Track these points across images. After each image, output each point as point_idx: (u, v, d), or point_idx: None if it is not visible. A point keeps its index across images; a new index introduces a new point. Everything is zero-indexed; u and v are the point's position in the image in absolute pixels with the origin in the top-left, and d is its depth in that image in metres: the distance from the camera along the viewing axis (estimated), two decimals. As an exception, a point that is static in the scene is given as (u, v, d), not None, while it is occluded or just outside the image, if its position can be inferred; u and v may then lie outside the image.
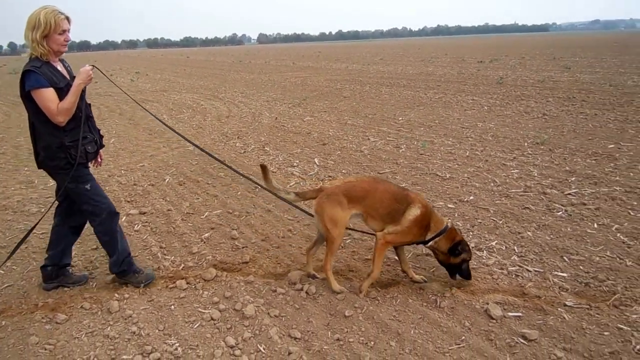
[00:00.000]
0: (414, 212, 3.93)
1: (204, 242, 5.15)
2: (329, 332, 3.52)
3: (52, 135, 3.75)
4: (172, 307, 3.90)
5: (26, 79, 3.63)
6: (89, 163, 4.08)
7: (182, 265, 4.61)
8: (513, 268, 4.34)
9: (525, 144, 8.73)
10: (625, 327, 3.40)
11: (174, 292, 4.13)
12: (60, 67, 3.88)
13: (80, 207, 4.04)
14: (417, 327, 3.55)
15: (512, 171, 7.11)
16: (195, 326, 3.64)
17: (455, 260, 3.98)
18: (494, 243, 4.85)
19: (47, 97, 3.60)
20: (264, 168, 4.23)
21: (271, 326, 3.59)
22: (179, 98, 17.77)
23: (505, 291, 3.97)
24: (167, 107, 15.42)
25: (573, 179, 6.66)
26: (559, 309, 3.66)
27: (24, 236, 4.06)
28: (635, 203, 5.65)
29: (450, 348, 3.29)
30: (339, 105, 14.58)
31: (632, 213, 5.38)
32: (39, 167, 4.00)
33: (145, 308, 3.90)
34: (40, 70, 3.64)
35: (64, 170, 3.84)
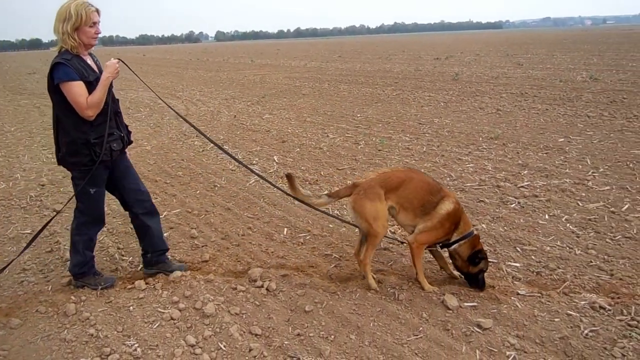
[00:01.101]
0: (446, 207, 3.85)
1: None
2: (290, 328, 3.54)
3: (78, 131, 3.67)
4: (131, 307, 3.83)
5: (55, 71, 3.54)
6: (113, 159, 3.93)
7: (141, 265, 4.52)
8: (468, 259, 4.45)
9: (480, 138, 8.95)
10: (574, 313, 3.54)
11: (133, 292, 4.06)
12: (89, 60, 3.80)
13: (76, 201, 3.96)
14: (376, 319, 3.60)
15: (468, 165, 7.29)
16: (155, 326, 3.59)
17: (474, 269, 3.89)
18: (450, 236, 4.96)
19: (76, 90, 3.53)
20: (290, 177, 4.05)
21: (232, 324, 3.57)
22: (135, 97, 17.41)
23: (461, 282, 4.06)
24: (124, 106, 14.98)
25: (525, 172, 6.87)
26: (512, 297, 3.78)
27: (37, 233, 3.96)
28: (583, 194, 5.88)
29: (408, 339, 3.35)
30: (297, 102, 14.59)
31: (580, 204, 5.59)
32: (59, 164, 3.89)
33: (103, 310, 3.82)
34: (70, 62, 3.56)
35: (86, 167, 3.77)
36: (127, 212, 4.30)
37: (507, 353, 3.16)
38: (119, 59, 3.88)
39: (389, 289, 4.00)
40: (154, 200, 5.82)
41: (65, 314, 3.77)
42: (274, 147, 9.08)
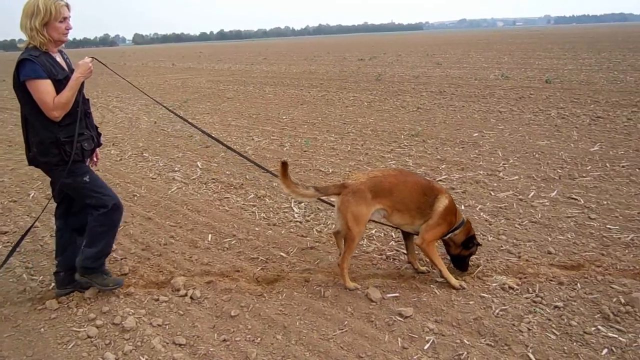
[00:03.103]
0: (443, 203, 3.92)
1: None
2: (215, 334, 3.52)
3: (47, 130, 3.49)
4: (42, 329, 3.64)
5: (21, 68, 3.36)
6: (85, 160, 3.76)
7: (53, 284, 4.30)
8: (391, 253, 4.63)
9: (402, 136, 9.27)
10: (486, 295, 3.78)
11: (44, 313, 3.84)
12: (59, 58, 3.59)
13: (83, 202, 3.77)
14: (302, 318, 3.66)
15: (390, 162, 7.54)
16: (70, 347, 3.43)
17: (466, 252, 4.05)
18: (373, 231, 5.13)
19: (43, 89, 3.36)
20: (284, 165, 3.92)
21: (154, 336, 3.50)
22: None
23: (384, 275, 4.21)
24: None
25: (444, 166, 7.20)
26: (431, 285, 3.98)
27: (18, 241, 3.81)
28: (495, 184, 6.25)
29: (334, 334, 3.44)
30: (222, 106, 14.45)
31: (492, 194, 5.94)
32: (30, 164, 3.70)
33: (10, 335, 3.59)
34: (37, 59, 3.35)
35: (57, 167, 3.59)
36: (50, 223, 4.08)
37: (427, 338, 3.33)
38: (92, 57, 3.70)
39: (315, 287, 4.08)
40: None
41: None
42: (197, 152, 8.96)
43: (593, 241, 4.60)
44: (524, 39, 46.21)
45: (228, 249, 4.93)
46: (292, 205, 5.99)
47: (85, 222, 3.88)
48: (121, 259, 4.77)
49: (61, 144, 3.54)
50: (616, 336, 3.23)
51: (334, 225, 4.37)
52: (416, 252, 4.28)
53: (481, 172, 6.78)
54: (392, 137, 9.26)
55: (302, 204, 6.02)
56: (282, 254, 4.73)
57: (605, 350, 3.11)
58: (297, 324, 3.59)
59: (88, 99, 3.84)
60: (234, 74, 25.66)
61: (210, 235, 5.25)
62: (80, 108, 3.66)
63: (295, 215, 5.70)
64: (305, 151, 8.55)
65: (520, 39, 46.78)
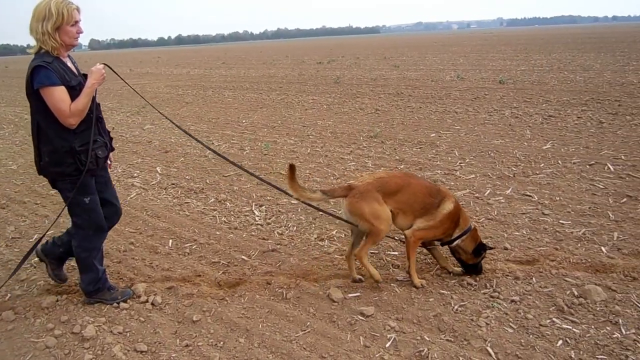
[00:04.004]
0: (447, 207, 3.92)
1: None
2: (177, 340, 3.47)
3: (61, 138, 3.41)
4: (-2, 341, 3.52)
5: (35, 74, 3.26)
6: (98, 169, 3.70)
7: (9, 295, 4.16)
8: (352, 253, 4.65)
9: (361, 138, 9.35)
10: (446, 292, 3.86)
11: (0, 325, 3.72)
12: (69, 63, 3.47)
13: (70, 216, 3.70)
14: (265, 320, 3.64)
15: (350, 164, 7.59)
16: (28, 358, 3.32)
17: (476, 260, 4.02)
18: (334, 232, 5.16)
19: (58, 96, 3.27)
20: (291, 168, 3.91)
21: (114, 344, 3.42)
22: (-3, 112, 15.96)
23: (345, 275, 4.23)
24: (-16, 124, 13.75)
25: (402, 166, 7.30)
26: (392, 284, 4.03)
27: (30, 249, 3.81)
28: (452, 183, 6.38)
29: (296, 335, 3.44)
30: (181, 111, 14.25)
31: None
32: (40, 174, 3.61)
33: (-37, 348, 3.47)
34: (51, 66, 3.27)
35: (71, 177, 3.50)
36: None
37: (388, 336, 3.36)
38: (104, 64, 3.62)
39: (277, 289, 4.07)
40: (22, 224, 5.43)
41: None
42: (156, 158, 8.80)
43: (547, 236, 4.75)
44: (478, 41, 47.42)
45: (189, 254, 4.86)
46: (253, 209, 5.96)
47: (114, 224, 4.01)
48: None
49: (76, 153, 3.46)
50: (570, 327, 3.35)
51: (346, 249, 4.30)
52: (445, 255, 4.28)
53: (439, 172, 6.91)
54: (352, 138, 9.33)
55: (263, 206, 6.00)
56: (243, 257, 4.70)
57: (560, 342, 3.21)
58: (260, 326, 3.57)
59: (99, 104, 3.75)
60: (192, 78, 25.35)
61: (170, 241, 5.16)
62: (94, 114, 3.58)
63: (257, 218, 5.68)
64: (265, 154, 8.52)
65: (474, 41, 47.99)
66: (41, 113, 3.40)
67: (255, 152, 8.73)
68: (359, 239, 4.08)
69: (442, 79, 17.29)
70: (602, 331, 3.29)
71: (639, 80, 13.71)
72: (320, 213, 5.59)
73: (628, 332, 3.25)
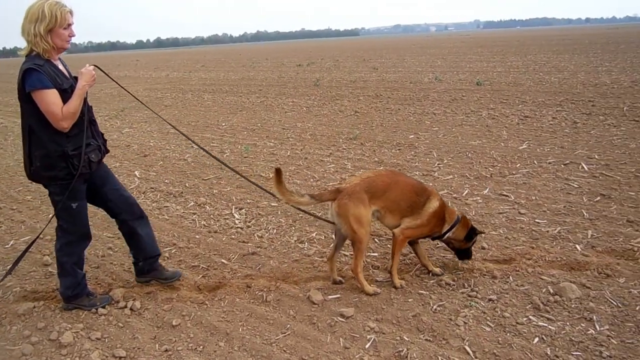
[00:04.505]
0: (433, 205, 3.96)
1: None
2: (157, 345, 3.45)
3: (54, 142, 3.39)
4: (-27, 350, 3.46)
5: (27, 78, 3.23)
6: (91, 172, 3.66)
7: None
8: (332, 255, 4.67)
9: (340, 140, 9.39)
10: (424, 292, 3.90)
11: (-27, 332, 3.66)
12: (60, 66, 3.42)
13: (56, 219, 3.68)
14: (245, 324, 3.64)
15: (329, 166, 7.61)
16: (3, 366, 3.29)
17: (469, 244, 4.13)
18: (314, 234, 5.17)
19: (50, 99, 3.25)
20: (278, 172, 3.87)
21: (92, 350, 3.38)
22: (-29, 117, 15.64)
23: (325, 277, 4.25)
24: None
25: (381, 168, 7.35)
26: (371, 285, 4.04)
27: (24, 250, 3.82)
28: (431, 184, 6.44)
29: (277, 338, 3.44)
30: (160, 114, 14.09)
31: (429, 193, 6.12)
32: (30, 178, 3.59)
33: None
34: (42, 68, 3.21)
35: (63, 181, 3.48)
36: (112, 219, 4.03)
37: (368, 337, 3.39)
38: (95, 66, 3.58)
39: (257, 292, 4.06)
40: (-4, 229, 5.28)
41: None
42: (135, 162, 8.72)
43: (523, 235, 4.83)
44: (456, 43, 47.91)
45: (168, 258, 4.82)
46: (233, 212, 5.94)
47: (136, 208, 4.00)
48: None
49: (69, 157, 3.44)
50: (546, 325, 3.41)
51: (327, 251, 4.33)
52: (427, 255, 4.33)
53: (417, 173, 6.97)
54: (331, 141, 9.37)
55: (243, 209, 5.98)
56: (223, 260, 4.68)
57: (536, 339, 3.27)
58: (240, 330, 3.57)
59: (91, 106, 3.71)
60: (171, 81, 25.14)
61: (148, 246, 5.11)
62: (86, 116, 3.56)
63: (236, 221, 5.66)
64: (245, 157, 8.50)
65: (452, 43, 48.47)
66: (33, 116, 3.38)
67: (235, 155, 8.70)
68: (341, 241, 4.11)
69: (421, 81, 17.44)
70: (577, 328, 3.35)
71: (612, 81, 14.01)
72: (301, 215, 5.62)
73: (602, 328, 3.32)
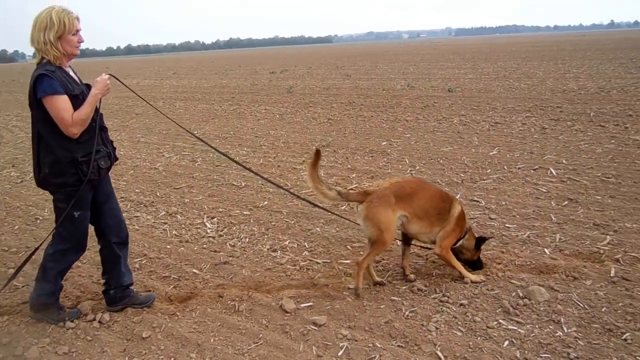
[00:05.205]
0: (457, 209, 4.06)
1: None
2: (126, 358, 3.38)
3: (63, 149, 3.37)
4: None
5: (38, 83, 3.24)
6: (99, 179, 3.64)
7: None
8: (304, 263, 4.66)
9: (313, 147, 9.34)
10: (396, 298, 3.91)
11: None
12: (71, 72, 3.38)
13: (55, 224, 3.61)
14: (217, 334, 3.59)
15: (302, 174, 7.59)
16: (-36, 384, 3.17)
17: (478, 253, 4.21)
18: (287, 242, 5.15)
19: (61, 105, 3.25)
20: (317, 153, 3.92)
21: (59, 365, 3.30)
22: None
23: (298, 285, 4.23)
24: None
25: (354, 175, 7.38)
26: (344, 292, 4.04)
27: (25, 259, 3.76)
28: (403, 190, 6.48)
29: (249, 348, 3.41)
30: (130, 122, 13.95)
31: (401, 199, 6.16)
32: (39, 185, 3.56)
33: None
34: (54, 75, 3.25)
35: (72, 187, 3.45)
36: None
37: (341, 344, 3.38)
38: (110, 75, 3.56)
39: (229, 302, 4.02)
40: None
41: None
42: (104, 171, 8.55)
43: (493, 240, 4.89)
44: (428, 50, 48.59)
45: (139, 269, 4.74)
46: (205, 221, 5.88)
47: (124, 234, 3.92)
48: (23, 287, 4.44)
49: (78, 163, 3.42)
50: (516, 328, 3.45)
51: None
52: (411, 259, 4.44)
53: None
54: (304, 148, 9.37)
55: (215, 218, 5.93)
56: (195, 270, 4.63)
57: (506, 343, 3.30)
58: (212, 340, 3.52)
59: (102, 113, 3.67)
60: (142, 89, 24.81)
61: (118, 257, 5.01)
62: (97, 124, 3.55)
63: (208, 230, 5.60)
64: (217, 166, 8.44)
65: (424, 50, 49.14)
66: (43, 123, 3.38)
67: (207, 164, 8.63)
68: (408, 242, 4.21)
69: (393, 88, 17.60)
70: (545, 330, 3.40)
71: (579, 87, 14.37)
72: (273, 223, 5.60)
73: (569, 330, 3.38)
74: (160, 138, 11.34)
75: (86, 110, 3.39)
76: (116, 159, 3.87)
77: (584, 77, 16.98)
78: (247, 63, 46.34)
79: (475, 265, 4.28)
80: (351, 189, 6.49)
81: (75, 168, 3.44)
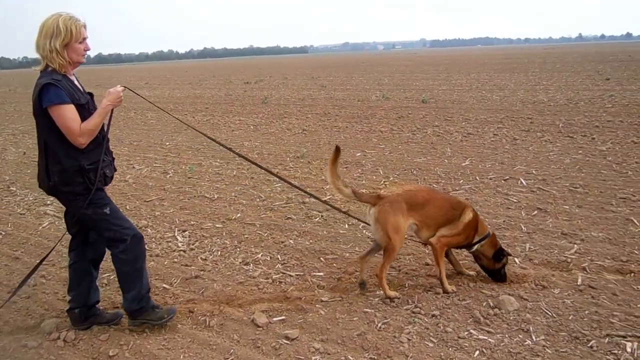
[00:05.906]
0: (468, 216, 4.14)
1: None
2: (92, 378, 3.29)
3: (70, 157, 3.33)
4: None
5: (44, 93, 3.19)
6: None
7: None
8: (277, 276, 4.62)
9: (287, 158, 9.38)
10: (369, 310, 3.90)
11: None
12: (76, 81, 3.32)
13: (101, 234, 3.59)
14: (186, 351, 3.53)
15: (276, 185, 7.57)
16: None
17: (498, 265, 4.22)
18: (259, 255, 5.10)
19: (69, 115, 3.21)
20: (337, 150, 4.09)
21: (21, 387, 3.19)
22: None
23: (270, 299, 4.19)
24: None
25: (328, 187, 7.36)
26: (316, 305, 4.02)
27: (29, 273, 3.76)
28: (377, 201, 6.50)
29: (219, 364, 3.35)
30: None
31: (374, 210, 6.17)
32: (49, 193, 3.52)
33: None
34: (61, 84, 3.21)
35: (81, 196, 3.41)
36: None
37: (313, 358, 3.35)
38: (124, 87, 3.51)
39: (200, 317, 3.95)
40: None
41: None
42: (73, 183, 8.38)
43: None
44: (403, 62, 49.18)
45: (107, 285, 4.63)
46: (176, 234, 5.79)
47: (102, 253, 3.83)
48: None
49: (85, 172, 3.39)
50: (486, 338, 3.47)
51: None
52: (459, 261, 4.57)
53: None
54: (278, 159, 9.35)
55: (187, 231, 5.85)
56: (165, 285, 4.54)
57: (477, 352, 3.32)
58: (181, 357, 3.45)
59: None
60: (114, 99, 24.45)
61: (85, 272, 4.89)
62: (104, 133, 3.55)
63: (179, 244, 5.52)
64: (189, 178, 8.35)
65: (399, 62, 49.71)
66: (49, 132, 3.33)
67: (179, 176, 8.53)
68: (378, 247, 4.21)
69: (368, 99, 17.72)
70: (515, 339, 3.44)
71: (549, 99, 14.70)
72: (246, 235, 5.54)
73: (538, 339, 3.42)
74: (131, 149, 11.19)
75: (95, 120, 3.37)
76: (115, 169, 3.82)
77: (553, 88, 17.39)
78: (222, 73, 46.15)
79: (495, 276, 4.29)
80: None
81: (82, 176, 3.41)
